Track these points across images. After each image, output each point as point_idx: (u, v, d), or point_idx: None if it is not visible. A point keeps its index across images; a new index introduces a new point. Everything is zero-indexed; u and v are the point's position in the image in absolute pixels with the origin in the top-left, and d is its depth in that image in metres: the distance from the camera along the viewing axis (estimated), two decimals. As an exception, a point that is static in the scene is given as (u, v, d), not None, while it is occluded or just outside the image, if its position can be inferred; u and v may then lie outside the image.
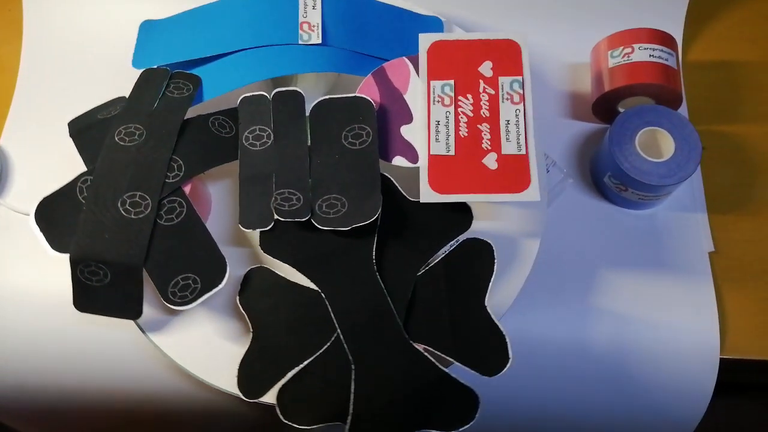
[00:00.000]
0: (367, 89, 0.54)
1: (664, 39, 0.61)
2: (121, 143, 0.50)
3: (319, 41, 0.56)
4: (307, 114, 0.52)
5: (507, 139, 0.50)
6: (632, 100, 0.62)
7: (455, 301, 0.48)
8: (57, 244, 0.47)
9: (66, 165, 0.63)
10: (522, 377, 0.57)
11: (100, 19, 0.70)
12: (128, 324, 0.51)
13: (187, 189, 0.50)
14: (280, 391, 0.47)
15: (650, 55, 0.60)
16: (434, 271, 0.49)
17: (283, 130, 0.52)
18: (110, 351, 0.58)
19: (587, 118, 0.66)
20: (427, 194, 0.49)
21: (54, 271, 0.59)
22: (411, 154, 0.51)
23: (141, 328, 0.51)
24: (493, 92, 0.52)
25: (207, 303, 0.50)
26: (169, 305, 0.47)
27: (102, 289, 0.47)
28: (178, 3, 0.61)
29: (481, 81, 0.52)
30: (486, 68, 0.53)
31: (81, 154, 0.52)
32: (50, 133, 0.65)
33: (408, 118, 0.53)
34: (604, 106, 0.63)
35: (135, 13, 0.70)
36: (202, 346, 0.51)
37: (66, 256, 0.47)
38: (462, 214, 0.51)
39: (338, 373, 0.47)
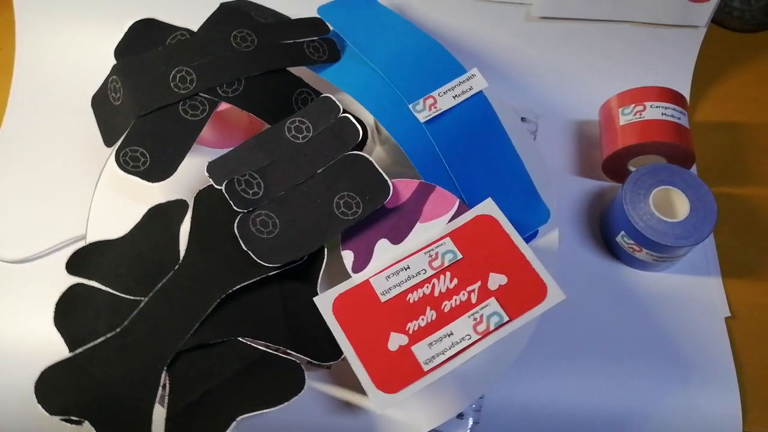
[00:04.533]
0: (402, 186, 0.50)
1: (675, 98, 0.60)
2: (232, 40, 0.52)
3: (421, 122, 0.52)
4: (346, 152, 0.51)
5: (430, 344, 0.43)
6: (643, 159, 0.60)
7: (221, 394, 0.44)
8: (120, 52, 0.53)
9: (51, 210, 0.60)
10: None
11: (93, 63, 0.68)
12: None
13: (223, 107, 0.52)
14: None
15: (662, 114, 0.59)
16: (245, 352, 0.45)
17: (318, 144, 0.50)
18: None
19: (596, 176, 0.64)
20: (323, 301, 0.45)
21: (35, 324, 0.55)
22: (359, 262, 0.47)
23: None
24: (474, 302, 0.44)
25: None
26: (115, 161, 0.49)
27: (112, 108, 0.52)
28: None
29: (479, 284, 0.45)
30: (495, 280, 0.45)
31: (206, 20, 0.55)
32: (34, 178, 0.62)
33: (398, 239, 0.48)
34: (615, 164, 0.62)
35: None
36: None
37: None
38: (331, 348, 0.45)
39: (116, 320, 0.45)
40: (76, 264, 0.48)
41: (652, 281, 0.59)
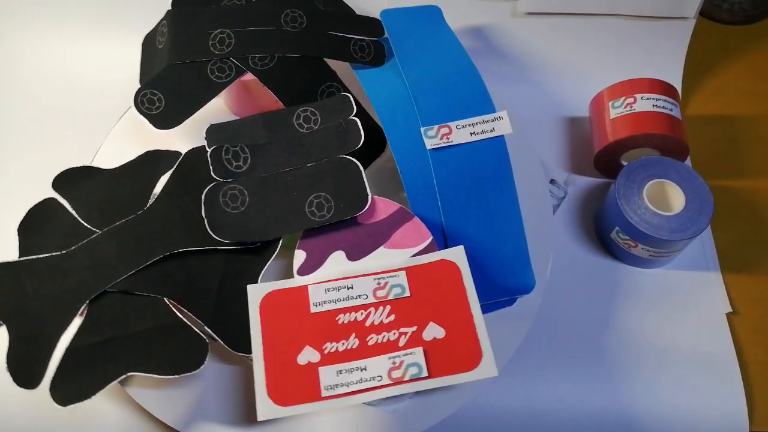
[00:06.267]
0: (382, 205, 0.48)
1: (666, 89, 0.59)
2: (282, 18, 0.53)
3: (427, 148, 0.49)
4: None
5: (339, 372, 0.40)
6: (636, 152, 0.59)
7: (123, 345, 0.44)
8: (179, 0, 0.55)
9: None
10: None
11: (74, 68, 0.67)
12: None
13: (247, 77, 0.53)
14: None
15: (653, 105, 0.57)
16: (163, 314, 0.46)
17: (318, 139, 0.50)
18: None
19: (588, 172, 0.63)
20: (254, 292, 0.44)
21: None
22: (308, 266, 0.45)
23: None
24: (401, 345, 0.41)
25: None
26: (133, 99, 0.51)
27: (155, 50, 0.55)
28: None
29: (414, 329, 0.42)
30: (432, 331, 0.42)
31: None
32: (18, 185, 0.61)
33: (356, 256, 0.46)
34: (607, 159, 0.60)
35: (110, 67, 0.67)
36: None
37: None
38: (244, 340, 0.43)
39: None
40: (60, 181, 0.50)
41: (649, 278, 0.58)
